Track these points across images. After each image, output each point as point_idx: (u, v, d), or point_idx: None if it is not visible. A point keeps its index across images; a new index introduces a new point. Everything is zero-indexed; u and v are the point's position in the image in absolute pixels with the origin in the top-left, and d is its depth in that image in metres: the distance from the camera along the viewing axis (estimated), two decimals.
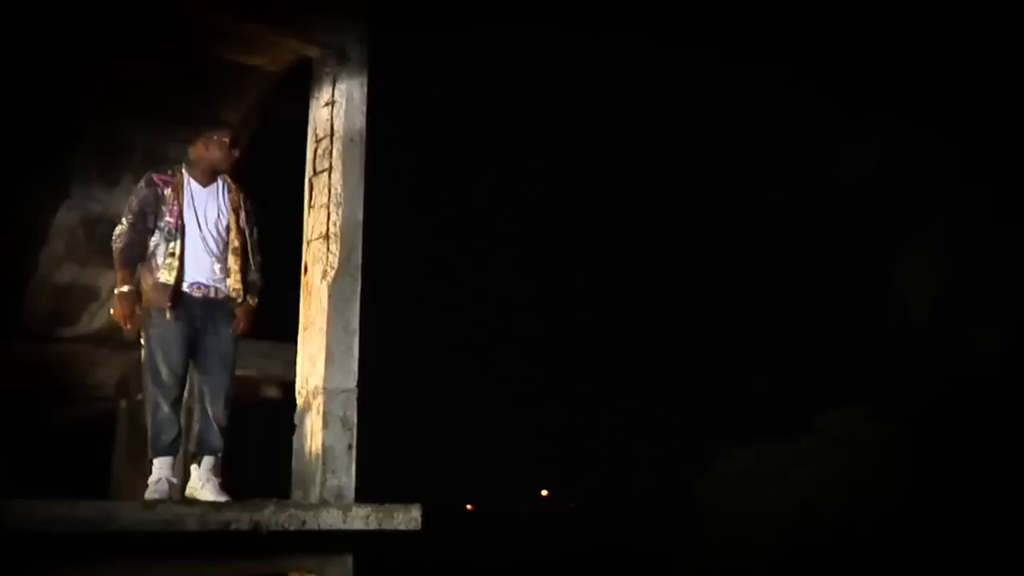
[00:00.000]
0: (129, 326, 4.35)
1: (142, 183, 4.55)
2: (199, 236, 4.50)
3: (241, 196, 4.71)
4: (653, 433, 20.16)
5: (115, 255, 4.41)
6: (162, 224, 4.45)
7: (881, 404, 13.37)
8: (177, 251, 4.42)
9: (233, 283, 4.56)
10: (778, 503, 12.94)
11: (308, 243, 5.18)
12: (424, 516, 4.77)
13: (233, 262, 4.58)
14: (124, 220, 4.44)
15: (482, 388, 21.71)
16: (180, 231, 4.45)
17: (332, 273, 4.98)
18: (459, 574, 18.23)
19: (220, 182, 4.66)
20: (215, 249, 4.54)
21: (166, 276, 4.39)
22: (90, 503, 3.81)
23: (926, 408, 13.12)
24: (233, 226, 4.61)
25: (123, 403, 8.33)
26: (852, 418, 13.28)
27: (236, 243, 4.60)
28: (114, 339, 8.07)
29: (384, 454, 7.41)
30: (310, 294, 5.07)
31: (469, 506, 24.51)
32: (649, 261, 21.75)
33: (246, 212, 4.70)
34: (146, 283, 4.42)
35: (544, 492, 25.96)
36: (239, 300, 4.58)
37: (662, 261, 21.41)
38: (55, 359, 8.06)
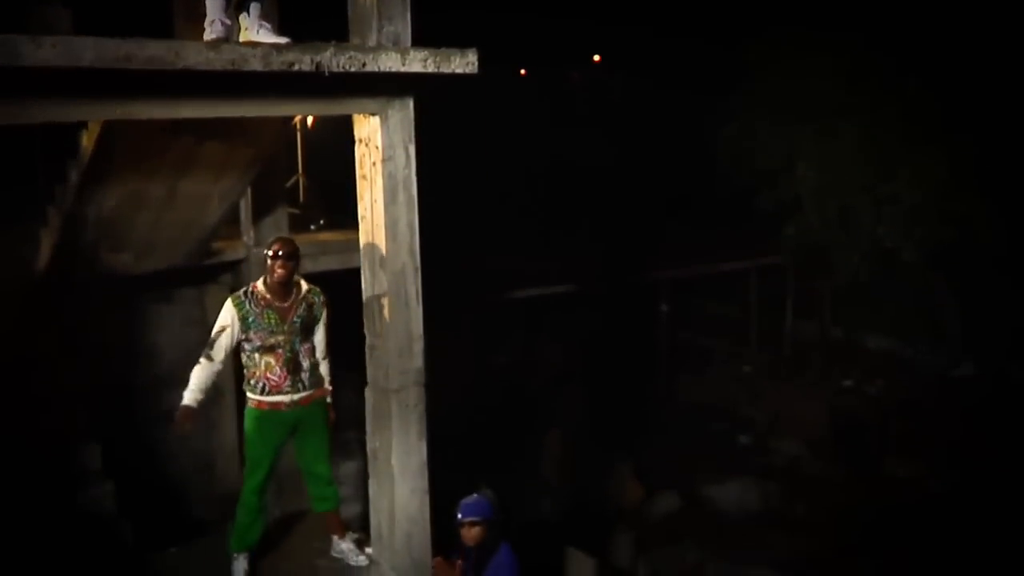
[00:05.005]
0: None
1: None
2: None
3: None
4: None
5: None
6: None
7: None
8: None
9: None
10: None
11: None
12: (479, 62, 4.92)
13: None
14: None
15: None
16: None
17: None
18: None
19: None
20: None
21: None
22: (158, 42, 3.97)
23: None
24: None
25: None
26: None
27: None
28: None
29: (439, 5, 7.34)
30: None
31: (523, 71, 24.59)
32: None
33: None
34: None
35: (596, 57, 25.79)
36: None
37: None
38: None
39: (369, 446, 5.41)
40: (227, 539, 5.26)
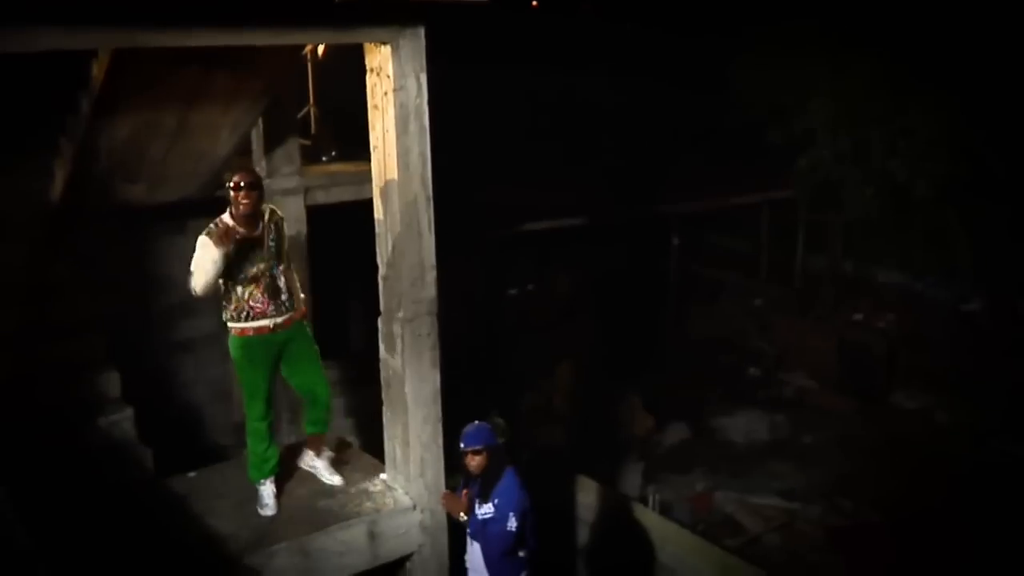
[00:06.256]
0: None
1: None
2: None
3: None
4: None
5: None
6: None
7: None
8: None
9: None
10: None
11: None
12: None
13: None
14: None
15: None
16: None
17: None
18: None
19: None
20: None
21: None
22: None
23: None
24: None
25: None
26: None
27: None
28: None
29: None
30: None
31: (534, 3, 24.21)
32: None
33: None
34: None
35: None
36: None
37: None
38: None
39: (383, 375, 5.50)
40: (246, 471, 5.36)
